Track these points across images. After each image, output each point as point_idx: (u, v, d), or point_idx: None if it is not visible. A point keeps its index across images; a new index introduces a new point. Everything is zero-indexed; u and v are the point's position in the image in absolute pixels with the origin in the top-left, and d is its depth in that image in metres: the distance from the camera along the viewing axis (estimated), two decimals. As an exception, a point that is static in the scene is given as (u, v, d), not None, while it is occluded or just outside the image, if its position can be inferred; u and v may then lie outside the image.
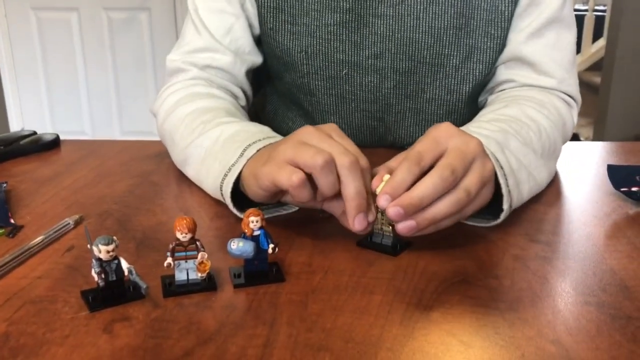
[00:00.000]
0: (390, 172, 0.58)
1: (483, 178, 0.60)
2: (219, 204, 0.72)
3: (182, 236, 0.52)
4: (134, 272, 0.51)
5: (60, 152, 0.97)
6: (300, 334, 0.47)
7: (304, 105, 0.96)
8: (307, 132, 0.59)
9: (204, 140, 0.73)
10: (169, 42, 3.30)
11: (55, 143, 1.00)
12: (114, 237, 0.51)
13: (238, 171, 0.65)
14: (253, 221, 0.54)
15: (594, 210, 0.73)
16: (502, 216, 0.65)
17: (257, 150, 0.66)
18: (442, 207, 0.57)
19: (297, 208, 0.69)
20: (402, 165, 0.58)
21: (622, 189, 0.75)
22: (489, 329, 0.48)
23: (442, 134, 0.60)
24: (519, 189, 0.68)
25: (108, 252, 0.50)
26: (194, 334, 0.47)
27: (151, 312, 0.50)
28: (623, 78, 3.25)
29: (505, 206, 0.64)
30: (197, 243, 0.53)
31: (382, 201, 0.56)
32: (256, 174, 0.61)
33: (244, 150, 0.66)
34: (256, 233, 0.55)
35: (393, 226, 0.59)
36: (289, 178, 0.56)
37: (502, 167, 0.64)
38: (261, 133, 0.70)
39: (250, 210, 0.55)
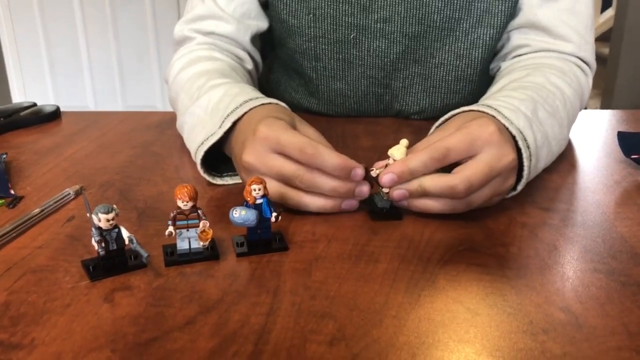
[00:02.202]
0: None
1: (494, 193, 0.60)
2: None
3: (184, 204, 0.51)
4: (134, 240, 0.50)
5: (61, 124, 0.96)
6: (304, 302, 0.46)
7: (308, 72, 0.94)
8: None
9: (196, 108, 0.74)
10: (171, 15, 3.26)
11: (55, 114, 0.99)
12: (114, 206, 0.50)
13: (213, 142, 0.67)
14: (255, 189, 0.53)
15: (603, 178, 0.71)
16: (517, 189, 0.63)
17: (233, 123, 0.67)
18: (435, 183, 0.57)
19: None
20: (422, 154, 0.57)
21: (632, 156, 0.73)
22: (497, 297, 0.47)
23: (481, 136, 0.58)
24: (537, 166, 0.66)
25: (108, 220, 0.50)
26: (196, 302, 0.46)
27: (153, 281, 0.50)
28: (632, 49, 3.20)
29: (520, 187, 0.63)
30: (199, 211, 0.52)
31: (385, 180, 0.56)
32: (231, 153, 0.67)
33: (222, 121, 0.68)
34: (259, 201, 0.54)
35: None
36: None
37: (528, 147, 0.63)
38: (241, 95, 0.69)
39: (253, 178, 0.54)
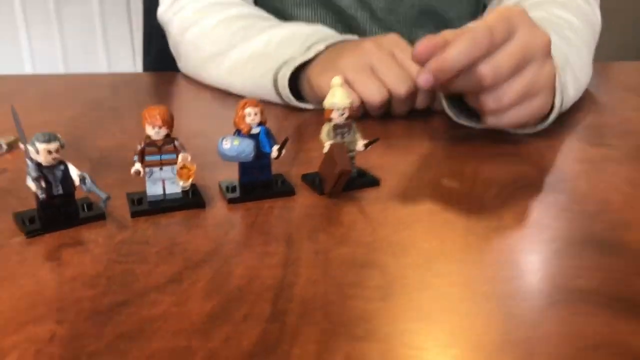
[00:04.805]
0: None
1: (529, 88, 0.49)
2: (201, 121, 0.58)
3: (155, 131, 0.38)
4: (88, 179, 0.36)
5: (-6, 86, 0.80)
6: (331, 250, 0.33)
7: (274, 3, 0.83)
8: (370, 53, 0.58)
9: (250, 45, 0.69)
10: (120, 11, 3.07)
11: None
12: (58, 135, 0.36)
13: (298, 63, 0.62)
14: (250, 114, 0.40)
15: (648, 117, 0.61)
16: (552, 117, 0.52)
17: (326, 47, 0.63)
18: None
19: None
20: (461, 41, 0.45)
21: None
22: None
23: (515, 14, 0.48)
24: (566, 88, 0.55)
25: (49, 152, 0.36)
26: (179, 256, 0.33)
27: (115, 235, 0.36)
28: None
29: (557, 103, 0.52)
30: (176, 143, 0.39)
31: (421, 80, 0.44)
32: (311, 81, 0.60)
33: (309, 46, 0.64)
34: (255, 131, 0.41)
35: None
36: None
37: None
38: (317, 34, 0.66)
39: (246, 100, 0.41)
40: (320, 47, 0.62)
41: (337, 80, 0.42)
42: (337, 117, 0.41)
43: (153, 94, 0.78)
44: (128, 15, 2.33)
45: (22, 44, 2.71)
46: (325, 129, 0.42)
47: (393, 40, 0.60)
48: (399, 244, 0.34)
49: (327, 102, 0.41)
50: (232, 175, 0.43)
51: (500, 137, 0.53)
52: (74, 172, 0.37)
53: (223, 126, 0.59)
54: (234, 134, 0.41)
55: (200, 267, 0.32)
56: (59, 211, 0.37)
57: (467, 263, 0.32)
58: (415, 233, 0.35)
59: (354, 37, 0.66)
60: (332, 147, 0.40)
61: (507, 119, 0.50)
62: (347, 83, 0.57)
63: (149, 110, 0.38)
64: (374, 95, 0.57)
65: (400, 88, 0.57)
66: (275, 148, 0.40)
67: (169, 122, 0.38)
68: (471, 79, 0.47)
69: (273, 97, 0.66)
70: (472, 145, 0.52)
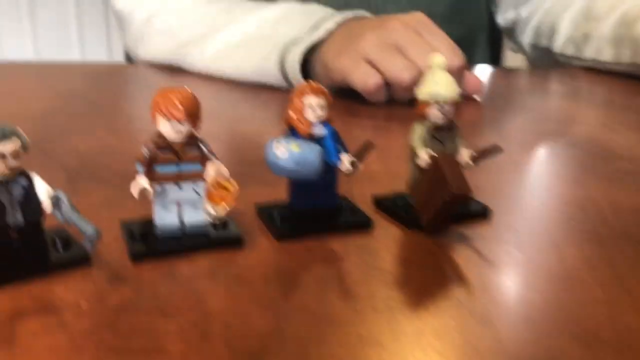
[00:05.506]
0: None
1: None
2: (211, 121, 0.44)
3: (173, 128, 0.24)
4: (65, 201, 0.23)
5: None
6: (468, 331, 0.20)
7: None
8: (395, 30, 0.52)
9: (238, 27, 0.62)
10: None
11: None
12: (18, 129, 0.23)
13: (310, 42, 0.55)
14: (313, 106, 0.27)
15: None
16: None
17: (338, 24, 0.56)
18: None
19: None
20: None
21: None
22: None
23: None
24: None
25: (3, 157, 0.22)
26: (218, 338, 0.19)
27: (107, 294, 0.22)
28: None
29: None
30: (202, 146, 0.25)
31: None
32: (327, 64, 0.54)
33: (316, 25, 0.56)
34: (317, 132, 0.27)
35: None
36: (366, 81, 0.51)
37: None
38: (317, 11, 0.59)
39: (309, 84, 0.27)
40: (330, 25, 0.55)
41: (439, 59, 0.29)
42: (436, 114, 0.28)
43: (143, 86, 0.64)
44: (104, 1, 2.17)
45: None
46: (418, 130, 0.29)
47: (419, 19, 0.53)
48: (564, 309, 0.21)
49: (425, 92, 0.28)
50: (271, 194, 0.29)
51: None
52: (43, 190, 0.23)
53: (241, 126, 0.46)
54: (285, 134, 0.28)
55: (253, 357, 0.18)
56: (16, 253, 0.23)
57: None
58: (579, 290, 0.23)
59: (365, 13, 0.58)
60: (439, 159, 0.27)
61: None
62: (371, 64, 0.51)
63: (164, 93, 0.24)
64: (403, 72, 0.50)
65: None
66: (346, 158, 0.27)
67: (194, 114, 0.24)
68: None
69: (276, 82, 0.57)
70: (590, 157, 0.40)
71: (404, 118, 0.48)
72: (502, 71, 0.79)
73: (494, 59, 0.89)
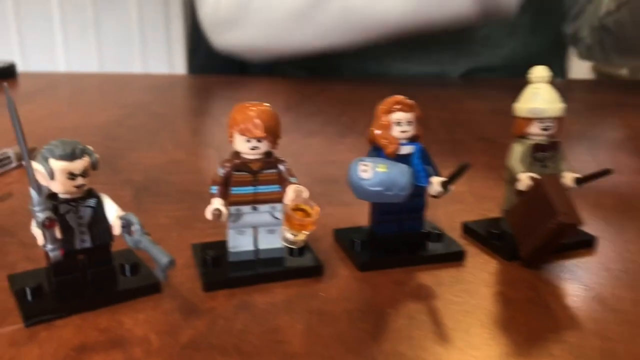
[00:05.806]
0: None
1: None
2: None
3: (250, 146, 0.22)
4: (137, 226, 0.21)
5: (17, 84, 0.67)
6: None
7: None
8: None
9: None
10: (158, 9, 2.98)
11: (9, 72, 0.69)
12: (89, 148, 0.21)
13: None
14: (402, 122, 0.24)
15: None
16: None
17: None
18: None
19: None
20: None
21: None
22: None
23: None
24: None
25: (72, 176, 0.20)
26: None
27: (179, 327, 0.20)
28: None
29: None
30: (282, 167, 0.23)
31: None
32: None
33: None
34: (404, 151, 0.25)
35: None
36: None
37: None
38: None
39: (394, 97, 0.25)
40: None
41: (542, 71, 0.26)
42: (539, 133, 0.25)
43: (205, 97, 0.63)
44: (166, 14, 2.21)
45: (57, 40, 2.62)
46: (519, 150, 0.26)
47: None
48: None
49: (526, 108, 0.25)
50: (350, 218, 0.27)
51: None
52: (113, 212, 0.21)
53: (313, 142, 0.44)
54: (368, 154, 0.25)
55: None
56: (83, 280, 0.21)
57: None
58: None
59: None
60: (543, 182, 0.24)
61: None
62: None
63: (241, 109, 0.22)
64: None
65: None
66: (436, 180, 0.25)
67: (274, 132, 0.22)
68: None
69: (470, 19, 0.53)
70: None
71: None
72: (584, 83, 0.75)
73: (562, 71, 0.84)
